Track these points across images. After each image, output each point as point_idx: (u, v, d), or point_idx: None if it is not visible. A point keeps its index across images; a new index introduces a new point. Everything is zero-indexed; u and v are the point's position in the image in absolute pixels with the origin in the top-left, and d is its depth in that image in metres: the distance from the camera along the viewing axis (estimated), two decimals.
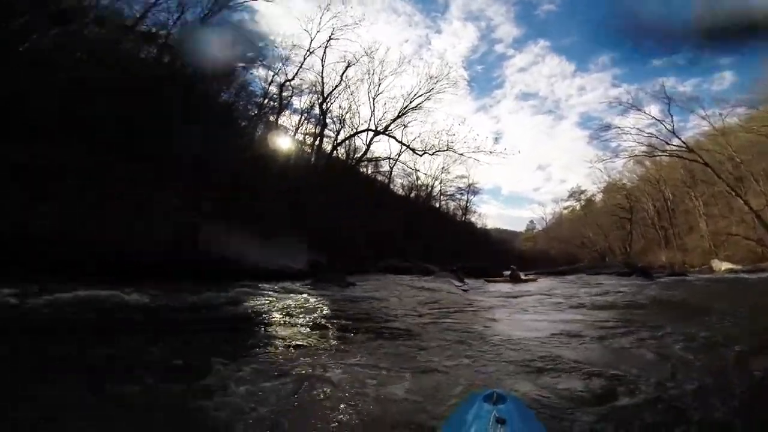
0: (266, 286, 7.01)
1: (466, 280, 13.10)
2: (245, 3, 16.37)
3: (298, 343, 3.39)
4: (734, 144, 24.43)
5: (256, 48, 17.44)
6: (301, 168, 18.63)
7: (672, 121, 24.70)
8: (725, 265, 19.80)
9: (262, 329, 4.07)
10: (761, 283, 10.15)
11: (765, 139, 21.70)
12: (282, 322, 4.35)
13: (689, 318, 5.09)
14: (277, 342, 3.43)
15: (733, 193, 23.42)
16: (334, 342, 3.53)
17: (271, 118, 18.54)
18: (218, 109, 16.35)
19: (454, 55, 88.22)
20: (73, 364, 2.57)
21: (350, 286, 8.08)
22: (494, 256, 30.48)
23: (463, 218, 36.01)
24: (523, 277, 15.10)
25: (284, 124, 19.87)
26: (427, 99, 20.53)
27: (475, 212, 38.73)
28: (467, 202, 35.40)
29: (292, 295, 6.34)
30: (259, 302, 5.47)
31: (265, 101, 18.11)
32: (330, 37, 19.00)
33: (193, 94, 14.85)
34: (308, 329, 3.95)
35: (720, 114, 24.53)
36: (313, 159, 19.75)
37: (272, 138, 18.00)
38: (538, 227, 52.69)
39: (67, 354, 2.73)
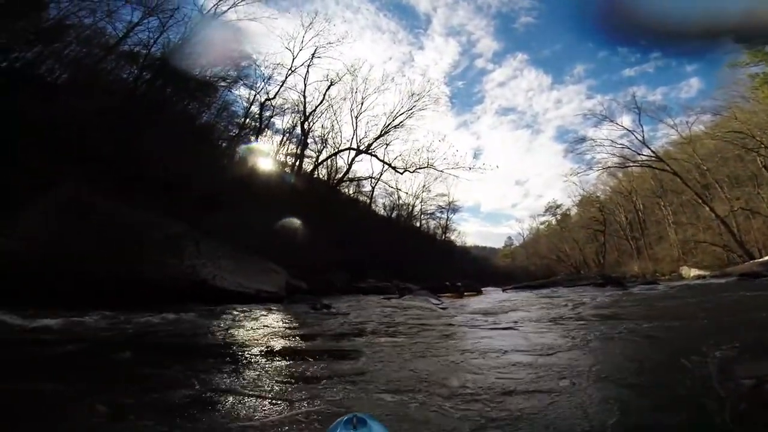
0: (238, 308, 6.80)
1: (444, 298, 13.07)
2: (228, 23, 16.45)
3: (239, 367, 3.28)
4: (701, 152, 25.79)
5: (239, 68, 17.45)
6: (281, 189, 18.49)
7: (642, 132, 25.87)
8: (694, 272, 20.55)
9: (213, 352, 3.87)
10: (727, 287, 10.56)
11: (728, 145, 23.03)
12: (237, 345, 4.18)
13: (659, 320, 5.24)
14: (220, 365, 3.31)
15: (700, 201, 24.52)
16: (278, 365, 3.41)
17: (252, 139, 18.43)
18: (198, 129, 16.27)
19: (437, 72, 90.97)
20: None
21: (324, 308, 7.91)
22: (474, 272, 30.69)
23: (444, 237, 36.35)
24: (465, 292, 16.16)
25: (265, 144, 19.81)
26: (409, 116, 20.93)
27: (455, 230, 39.20)
28: (447, 220, 35.87)
29: (260, 318, 6.14)
30: (223, 325, 5.28)
31: (246, 121, 18.04)
32: (313, 55, 19.21)
33: (173, 114, 14.76)
34: (258, 354, 3.78)
35: (687, 122, 25.82)
36: (293, 179, 19.61)
37: (252, 158, 17.83)
38: (516, 243, 53.66)
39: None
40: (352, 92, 20.75)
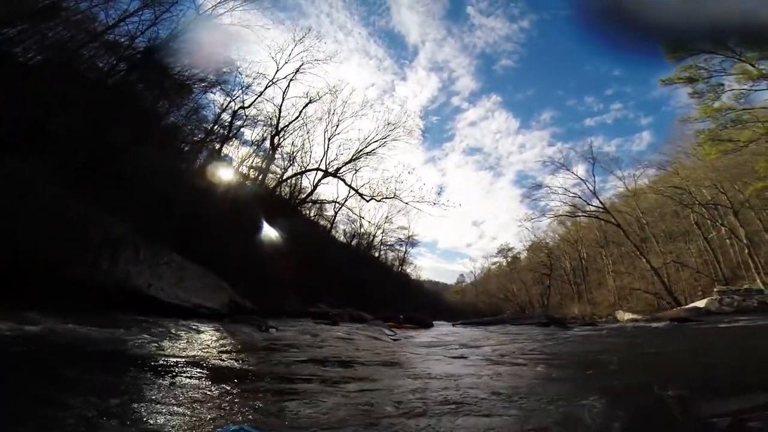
0: (171, 323, 6.17)
1: (396, 330, 12.87)
2: (220, 26, 16.04)
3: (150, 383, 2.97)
4: (642, 205, 28.43)
5: (219, 72, 16.86)
6: (238, 202, 17.71)
7: (594, 182, 27.93)
8: (628, 315, 22.01)
9: (133, 370, 3.42)
10: (662, 330, 11.35)
11: (667, 200, 25.52)
12: (157, 362, 3.73)
13: (604, 357, 5.44)
14: (129, 380, 3.00)
15: (638, 253, 26.70)
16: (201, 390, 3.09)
17: (217, 146, 17.64)
18: (162, 129, 15.38)
19: (415, 104, 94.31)
20: None
21: (268, 330, 7.43)
22: (427, 306, 30.81)
23: (400, 269, 36.46)
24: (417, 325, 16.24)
25: (231, 154, 19.05)
26: (382, 145, 20.98)
27: (411, 263, 39.55)
28: (405, 253, 36.16)
29: (194, 335, 5.60)
30: (147, 341, 4.71)
31: (215, 128, 17.31)
32: (297, 69, 18.98)
33: (138, 109, 13.89)
34: (177, 374, 3.41)
35: (634, 175, 28.51)
36: (255, 194, 18.86)
37: (213, 167, 16.99)
38: (467, 281, 55.12)
39: None
40: (329, 113, 20.78)
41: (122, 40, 13.09)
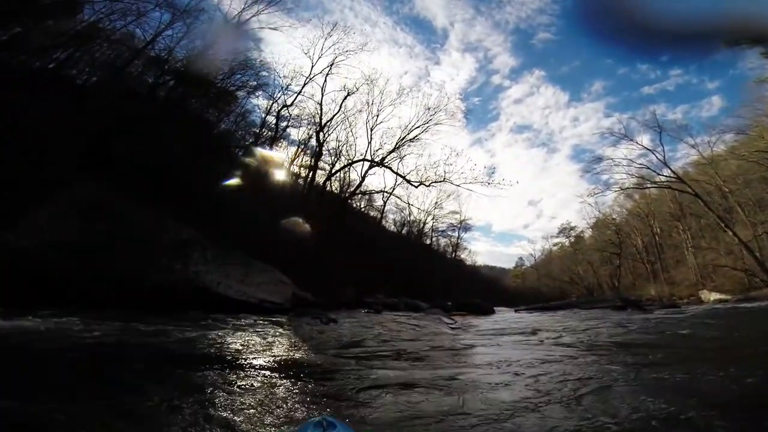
0: (241, 319, 6.46)
1: (455, 318, 12.52)
2: (250, 31, 16.66)
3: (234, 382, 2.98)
4: (723, 173, 24.77)
5: (258, 76, 17.56)
6: (293, 200, 18.33)
7: (663, 151, 24.89)
8: (714, 296, 19.63)
9: (207, 364, 3.54)
10: (760, 311, 9.85)
11: (753, 166, 22.13)
12: (234, 358, 3.84)
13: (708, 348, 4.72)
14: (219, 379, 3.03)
15: (723, 225, 23.54)
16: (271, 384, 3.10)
17: (267, 148, 18.38)
18: (216, 136, 16.35)
19: (453, 87, 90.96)
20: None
21: (330, 323, 7.52)
22: (484, 292, 29.90)
23: (454, 255, 35.72)
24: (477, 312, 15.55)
25: (280, 155, 19.76)
26: (425, 131, 20.55)
27: (465, 249, 38.54)
28: (458, 238, 35.27)
29: (263, 329, 5.78)
30: (221, 336, 4.92)
31: (262, 130, 18.06)
32: (332, 63, 19.06)
33: (192, 120, 14.87)
34: (255, 369, 3.48)
35: (708, 142, 24.79)
36: (305, 191, 19.43)
37: (267, 168, 17.75)
38: (527, 264, 52.46)
39: None
40: (368, 104, 20.66)
41: (162, 54, 13.88)
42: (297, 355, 4.35)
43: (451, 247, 35.39)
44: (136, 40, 13.24)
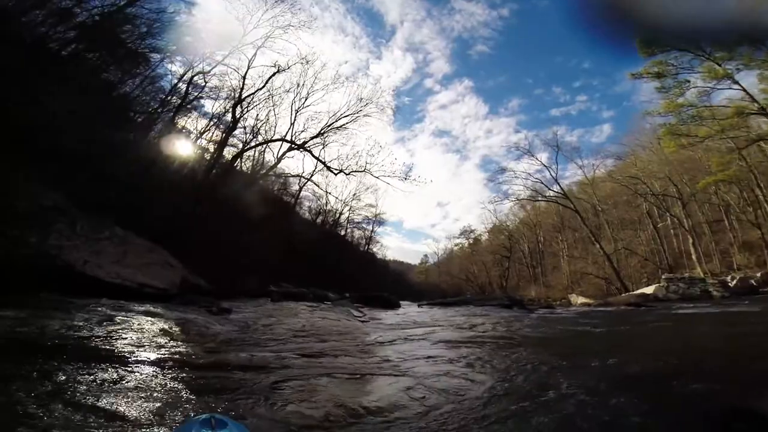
0: (108, 305, 5.28)
1: (364, 310, 12.47)
2: None
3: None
4: (599, 193, 29.90)
5: (179, 40, 14.94)
6: (194, 175, 16.25)
7: (556, 168, 29.34)
8: (580, 299, 23.18)
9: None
10: (624, 314, 11.74)
11: (623, 189, 26.93)
12: (97, 350, 3.09)
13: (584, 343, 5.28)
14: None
15: (593, 239, 28.09)
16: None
17: (175, 118, 15.90)
18: (114, 99, 13.68)
19: (388, 83, 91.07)
20: None
21: (222, 313, 6.69)
22: (392, 286, 30.86)
23: (367, 248, 36.08)
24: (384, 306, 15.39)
25: (186, 125, 17.33)
26: (353, 120, 20.10)
27: (378, 243, 39.29)
28: (372, 232, 35.69)
29: (132, 319, 4.77)
30: (81, 326, 3.92)
31: (171, 98, 15.54)
32: (267, 35, 17.23)
33: (83, 77, 12.10)
34: (124, 364, 2.93)
35: (593, 164, 30.01)
36: (212, 168, 17.35)
37: (168, 139, 15.36)
38: (431, 261, 55.98)
39: None
40: (298, 85, 19.34)
41: (70, 6, 11.40)
42: (177, 349, 3.64)
43: (364, 240, 35.71)
44: None
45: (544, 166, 29.02)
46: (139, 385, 2.51)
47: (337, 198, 27.40)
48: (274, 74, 17.93)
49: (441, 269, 51.46)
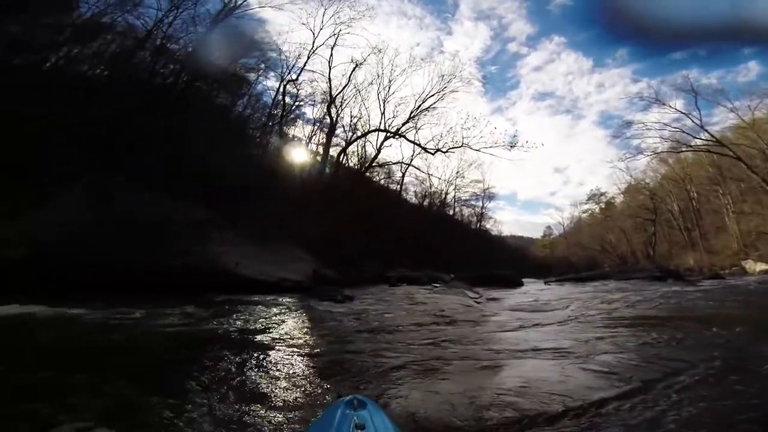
0: (257, 299, 6.25)
1: (480, 291, 12.04)
2: (250, 12, 15.87)
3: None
4: (765, 137, 22.89)
5: (265, 57, 16.95)
6: (311, 177, 18.02)
7: (699, 115, 23.19)
8: (760, 266, 18.18)
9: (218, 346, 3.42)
10: None
11: None
12: (251, 340, 3.65)
13: None
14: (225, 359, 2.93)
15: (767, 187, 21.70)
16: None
17: (283, 128, 18.07)
18: (232, 120, 16.20)
19: (467, 56, 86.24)
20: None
21: (346, 300, 7.24)
22: (511, 263, 29.15)
23: (479, 225, 34.82)
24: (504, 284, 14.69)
25: (295, 133, 19.56)
26: (441, 99, 19.75)
27: (491, 219, 37.43)
28: (483, 208, 34.19)
29: (277, 310, 5.53)
30: (238, 318, 4.75)
31: (275, 110, 17.61)
32: (336, 33, 18.06)
33: (204, 106, 14.64)
34: (271, 350, 3.38)
35: (749, 106, 23.07)
36: (323, 167, 19.04)
37: (280, 147, 17.50)
38: (556, 233, 50.63)
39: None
40: (378, 76, 19.68)
41: (165, 42, 13.48)
42: (312, 336, 4.07)
43: (475, 217, 34.49)
44: (136, 32, 12.89)
45: (682, 113, 23.39)
46: (285, 370, 2.82)
47: (440, 179, 27.14)
48: (354, 69, 18.61)
49: (569, 240, 46.19)
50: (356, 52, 18.92)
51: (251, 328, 4.36)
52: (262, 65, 16.80)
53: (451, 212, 31.52)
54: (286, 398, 2.24)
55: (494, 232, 39.15)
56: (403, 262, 18.09)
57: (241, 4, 15.15)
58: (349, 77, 18.62)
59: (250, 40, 16.30)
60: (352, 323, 5.04)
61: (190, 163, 10.82)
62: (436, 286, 12.69)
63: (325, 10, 17.84)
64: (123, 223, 7.41)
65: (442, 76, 19.88)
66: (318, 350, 3.50)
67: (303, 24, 17.68)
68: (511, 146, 18.87)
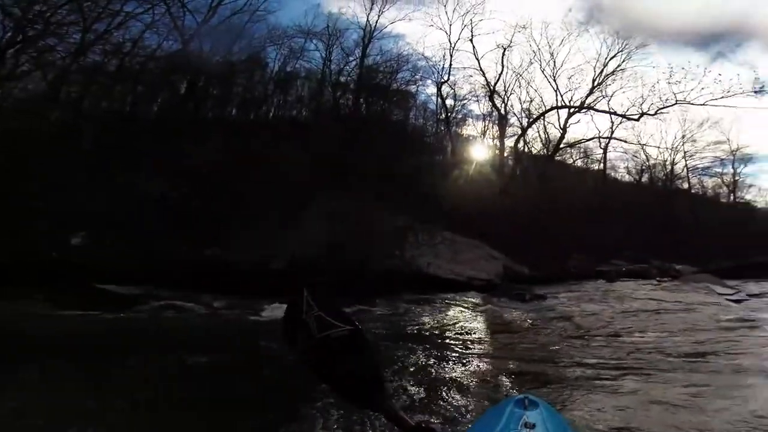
0: (446, 298, 6.93)
1: (737, 285, 8.96)
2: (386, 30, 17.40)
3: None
4: None
5: (416, 67, 18.30)
6: (491, 173, 17.94)
7: None
8: None
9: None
10: None
11: None
12: (434, 336, 4.17)
13: None
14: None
15: None
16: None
17: (455, 130, 18.86)
18: (409, 132, 18.37)
19: None
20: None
21: (534, 299, 6.95)
22: None
23: (732, 198, 25.23)
24: None
25: (468, 132, 19.79)
26: (627, 58, 16.22)
27: (750, 187, 26.38)
28: (735, 175, 24.56)
29: (460, 308, 5.99)
30: (426, 316, 5.45)
31: (442, 115, 18.53)
32: (467, 24, 17.10)
33: (385, 123, 17.25)
34: (451, 347, 3.73)
35: None
36: (504, 160, 18.59)
37: (456, 148, 18.27)
38: None
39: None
40: (534, 53, 17.47)
41: (342, 79, 16.27)
42: (493, 335, 4.33)
43: (724, 188, 25.17)
44: (315, 73, 16.29)
45: None
46: (460, 368, 3.16)
47: (658, 147, 21.36)
48: (503, 54, 17.03)
49: None
50: (499, 36, 17.55)
51: (435, 325, 4.89)
52: (417, 75, 17.84)
53: (687, 185, 24.16)
54: (454, 396, 2.49)
55: (760, 206, 27.17)
56: (624, 252, 15.45)
57: (376, 27, 16.47)
58: (502, 63, 17.43)
59: (398, 55, 17.82)
60: (529, 322, 4.97)
61: (388, 175, 12.82)
62: (666, 281, 10.31)
63: (445, 5, 17.43)
64: (351, 233, 9.55)
65: (617, 32, 16.42)
66: (495, 350, 3.71)
67: (430, 26, 17.60)
68: (757, 92, 13.29)
